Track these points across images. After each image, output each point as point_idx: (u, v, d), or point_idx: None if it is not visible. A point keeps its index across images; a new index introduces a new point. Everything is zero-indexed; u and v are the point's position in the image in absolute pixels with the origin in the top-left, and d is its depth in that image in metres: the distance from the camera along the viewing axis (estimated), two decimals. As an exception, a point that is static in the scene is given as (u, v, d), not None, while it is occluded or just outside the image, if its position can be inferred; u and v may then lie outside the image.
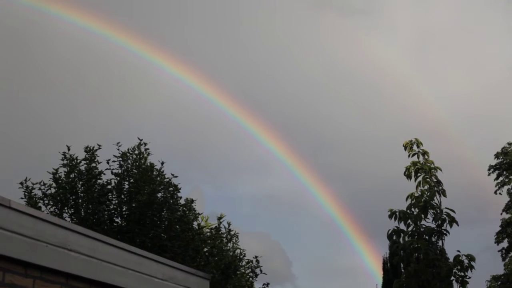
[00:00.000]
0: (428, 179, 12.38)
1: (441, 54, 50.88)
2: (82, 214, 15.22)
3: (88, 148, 15.76)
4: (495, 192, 37.50)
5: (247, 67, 47.61)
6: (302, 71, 47.95)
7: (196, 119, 47.13)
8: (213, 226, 17.09)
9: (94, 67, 40.65)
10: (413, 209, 12.20)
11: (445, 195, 12.32)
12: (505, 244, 36.90)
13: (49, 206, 15.28)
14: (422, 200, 12.14)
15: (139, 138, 16.14)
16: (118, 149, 15.89)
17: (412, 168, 12.50)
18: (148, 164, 15.80)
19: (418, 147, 12.75)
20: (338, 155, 52.76)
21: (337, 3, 46.87)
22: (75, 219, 15.05)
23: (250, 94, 45.96)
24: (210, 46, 45.38)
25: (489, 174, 37.70)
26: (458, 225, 12.07)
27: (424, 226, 12.18)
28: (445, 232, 12.17)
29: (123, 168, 15.74)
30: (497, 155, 37.46)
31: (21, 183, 15.30)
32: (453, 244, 12.33)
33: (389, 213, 12.31)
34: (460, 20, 50.43)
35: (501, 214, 37.15)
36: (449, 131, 44.22)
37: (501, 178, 37.37)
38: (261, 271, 17.15)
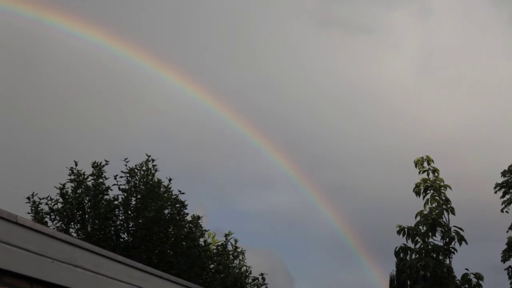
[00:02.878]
0: (437, 197, 12.34)
1: (445, 72, 50.84)
2: (89, 229, 15.21)
3: (96, 164, 15.77)
4: (502, 210, 37.33)
5: (253, 84, 47.70)
6: (306, 89, 48.04)
7: (200, 134, 47.15)
8: (220, 243, 17.06)
9: (99, 80, 40.70)
10: (421, 227, 12.15)
11: (453, 213, 12.26)
12: (511, 262, 36.71)
13: (56, 221, 15.28)
14: (431, 217, 12.08)
15: (147, 154, 16.16)
16: (126, 165, 15.90)
17: (422, 185, 12.46)
18: (156, 180, 15.80)
19: (428, 164, 12.72)
20: (342, 172, 52.69)
21: (342, 22, 46.92)
22: (81, 235, 15.03)
23: (255, 111, 46.02)
24: (216, 63, 45.47)
25: (495, 192, 37.53)
26: (467, 243, 12.00)
27: (432, 243, 12.12)
28: (453, 250, 12.11)
29: (130, 184, 15.73)
30: (503, 173, 37.33)
31: (28, 198, 15.32)
32: (456, 262, 12.28)
33: (398, 229, 12.26)
34: (464, 37, 50.44)
35: (507, 232, 36.99)
36: (452, 150, 44.13)
37: (507, 196, 37.21)
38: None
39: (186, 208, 15.80)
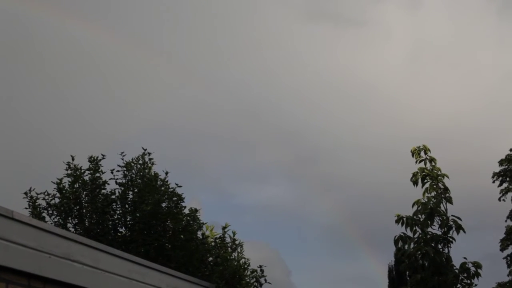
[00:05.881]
0: (435, 186, 12.34)
1: (435, 65, 51.00)
2: (87, 224, 15.18)
3: (92, 158, 15.73)
4: (499, 199, 37.47)
5: (248, 76, 47.79)
6: (300, 81, 48.24)
7: (196, 128, 47.23)
8: (218, 236, 17.03)
9: (94, 74, 40.60)
10: (419, 216, 12.17)
11: (451, 202, 12.28)
12: (509, 251, 36.96)
13: (53, 216, 15.25)
14: (429, 207, 12.09)
15: (143, 148, 16.12)
16: (122, 159, 15.86)
17: (419, 174, 12.46)
18: (152, 174, 15.76)
19: (425, 153, 12.72)
20: (337, 162, 52.98)
21: (331, 15, 47.06)
22: (79, 229, 15.01)
23: (250, 103, 46.21)
24: (210, 59, 45.44)
25: (493, 182, 37.64)
26: (465, 232, 12.03)
27: (430, 233, 12.14)
28: (451, 239, 12.13)
29: (127, 178, 15.69)
30: (501, 162, 37.42)
31: (25, 193, 15.28)
32: (452, 251, 12.33)
33: (396, 218, 12.27)
34: (454, 30, 50.58)
35: (506, 221, 37.13)
36: (444, 140, 44.36)
37: (504, 185, 37.34)
38: (265, 280, 17.06)
39: (183, 201, 15.78)
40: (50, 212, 15.27)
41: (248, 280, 16.81)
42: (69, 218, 15.31)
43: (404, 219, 12.19)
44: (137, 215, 15.16)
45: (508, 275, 36.56)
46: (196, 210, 16.01)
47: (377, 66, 48.53)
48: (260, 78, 47.64)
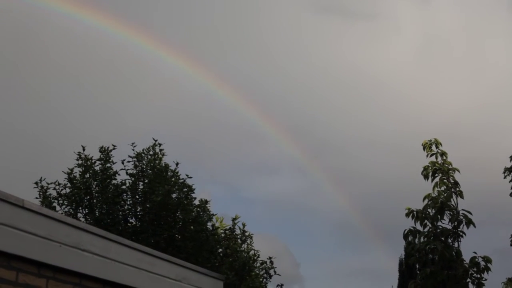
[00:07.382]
0: (445, 180, 12.28)
1: (444, 59, 50.59)
2: (97, 214, 15.23)
3: (103, 149, 15.77)
4: (510, 195, 37.23)
5: (257, 69, 47.66)
6: (309, 75, 48.04)
7: (205, 120, 47.11)
8: (228, 227, 17.07)
9: (104, 65, 40.46)
10: (429, 210, 12.11)
11: (462, 197, 12.21)
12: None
13: (64, 206, 15.31)
14: (439, 201, 12.03)
15: (154, 139, 16.15)
16: (133, 150, 15.89)
17: (430, 168, 12.39)
18: (163, 165, 15.79)
19: (436, 147, 12.65)
20: (345, 156, 52.82)
21: (340, 8, 46.70)
22: (89, 219, 15.06)
23: (260, 96, 46.16)
24: (217, 52, 45.28)
25: (505, 177, 37.40)
26: (475, 226, 11.97)
27: (440, 227, 12.09)
28: (461, 233, 12.07)
29: (137, 169, 15.73)
30: (512, 158, 37.20)
31: (36, 183, 15.34)
32: (461, 245, 12.27)
33: (407, 211, 12.21)
34: (464, 24, 50.17)
35: (517, 215, 36.98)
36: (454, 136, 44.09)
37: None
38: (275, 272, 17.09)
39: (193, 192, 15.81)
40: (61, 202, 15.34)
41: (257, 271, 16.84)
42: (80, 208, 15.37)
43: (415, 212, 12.14)
44: (147, 205, 15.20)
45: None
46: (206, 202, 16.03)
47: (386, 61, 48.29)
48: (267, 72, 47.51)
